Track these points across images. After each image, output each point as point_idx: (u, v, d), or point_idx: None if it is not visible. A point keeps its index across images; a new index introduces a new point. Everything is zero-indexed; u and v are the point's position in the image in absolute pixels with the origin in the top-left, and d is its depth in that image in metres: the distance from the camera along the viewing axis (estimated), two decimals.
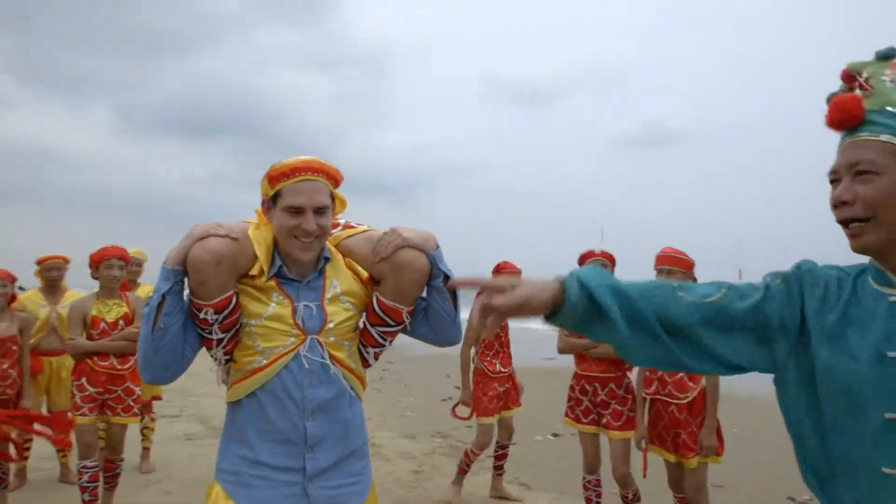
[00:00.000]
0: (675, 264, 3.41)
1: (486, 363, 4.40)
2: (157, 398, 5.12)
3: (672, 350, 1.19)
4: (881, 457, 1.06)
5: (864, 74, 1.19)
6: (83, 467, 3.77)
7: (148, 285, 4.73)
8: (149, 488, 4.65)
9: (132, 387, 3.87)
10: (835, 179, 1.14)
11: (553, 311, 1.17)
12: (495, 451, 4.55)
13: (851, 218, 1.09)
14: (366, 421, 5.69)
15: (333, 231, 1.94)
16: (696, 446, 3.22)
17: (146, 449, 5.13)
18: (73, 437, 3.80)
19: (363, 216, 2.03)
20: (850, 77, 1.22)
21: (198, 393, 8.45)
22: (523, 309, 1.14)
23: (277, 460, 1.71)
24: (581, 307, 1.16)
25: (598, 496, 3.76)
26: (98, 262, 3.84)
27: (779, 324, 1.17)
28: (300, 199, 1.67)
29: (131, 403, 3.87)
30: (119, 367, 3.82)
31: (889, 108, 1.11)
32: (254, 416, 1.73)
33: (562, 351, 3.88)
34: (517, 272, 4.32)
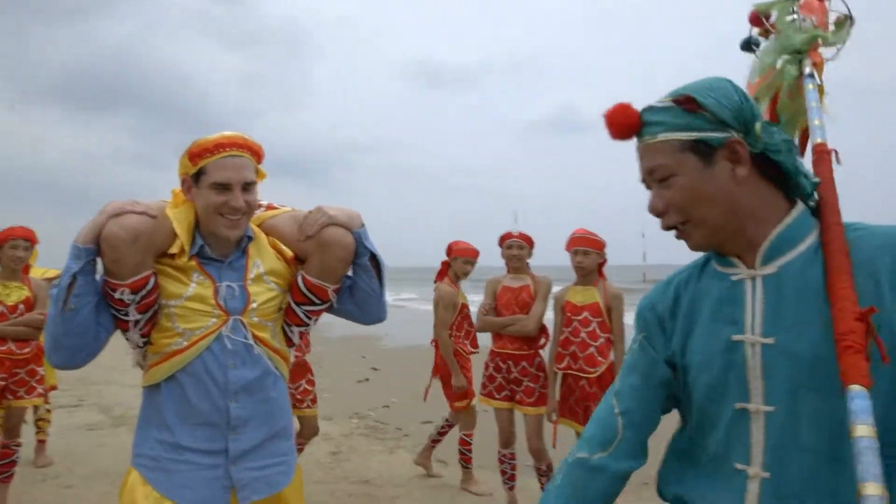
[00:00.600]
0: (588, 245, 3.57)
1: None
2: (53, 388, 4.80)
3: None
4: (732, 451, 1.03)
5: (770, 15, 1.18)
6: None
7: (38, 268, 4.40)
8: (46, 483, 4.37)
9: (35, 368, 3.77)
10: (644, 180, 1.11)
11: None
12: (441, 427, 4.58)
13: (671, 226, 1.07)
14: None
15: (256, 211, 1.90)
16: None
17: (41, 442, 4.80)
18: None
19: (279, 197, 2.00)
20: (757, 19, 1.22)
21: (99, 381, 8.00)
22: None
23: (199, 443, 1.67)
24: None
25: (513, 468, 3.90)
26: (2, 242, 3.64)
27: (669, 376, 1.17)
28: (227, 175, 1.62)
29: (34, 385, 3.74)
30: (18, 351, 3.68)
31: (655, 105, 1.06)
32: (173, 400, 1.68)
33: (479, 329, 3.98)
34: (472, 252, 4.36)
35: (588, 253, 3.56)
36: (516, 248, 3.90)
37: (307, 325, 1.85)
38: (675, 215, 1.05)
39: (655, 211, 1.08)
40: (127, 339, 1.69)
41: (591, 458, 1.17)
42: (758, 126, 1.02)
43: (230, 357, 1.68)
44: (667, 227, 1.08)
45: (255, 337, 1.71)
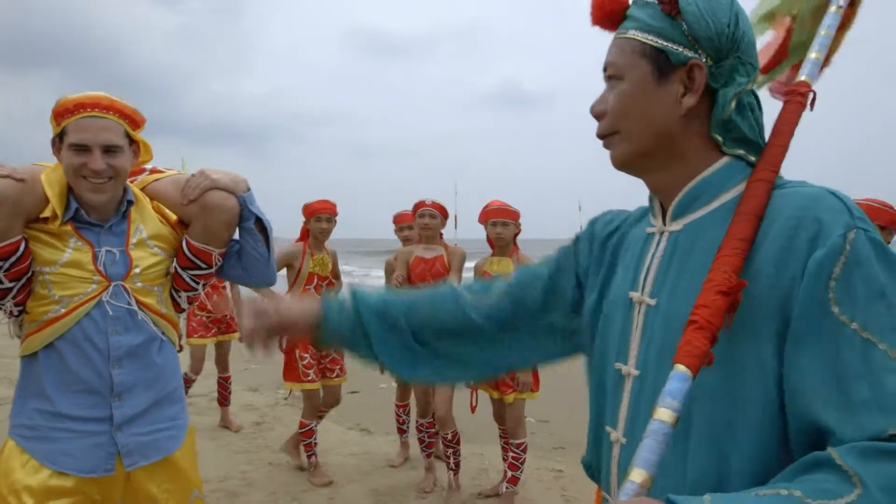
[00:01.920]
0: (506, 216, 3.61)
1: None
2: None
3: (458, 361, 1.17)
4: (606, 413, 0.99)
5: None
6: None
7: None
8: None
9: None
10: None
11: (318, 333, 1.14)
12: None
13: (600, 134, 0.97)
14: (207, 377, 5.48)
15: (139, 176, 1.86)
16: (513, 384, 3.50)
17: None
18: None
19: (218, 166, 1.95)
20: None
21: (9, 355, 7.66)
22: (287, 331, 1.12)
23: (81, 411, 1.65)
24: (344, 330, 1.14)
25: (431, 436, 3.94)
26: None
27: (571, 296, 1.11)
28: (85, 136, 1.58)
29: None
30: None
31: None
32: (53, 368, 1.65)
33: None
34: (440, 208, 4.00)
35: (507, 224, 3.61)
36: (428, 216, 3.82)
37: (195, 290, 1.85)
38: (609, 123, 0.95)
39: (593, 112, 0.97)
40: (0, 308, 1.64)
41: (458, 290, 1.18)
42: (727, 62, 0.88)
43: (112, 323, 1.65)
44: (598, 134, 0.98)
45: (139, 302, 1.69)
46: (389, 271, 4.28)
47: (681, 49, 0.88)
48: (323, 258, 4.01)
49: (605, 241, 1.09)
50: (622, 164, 0.97)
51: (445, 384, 1.21)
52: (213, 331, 4.75)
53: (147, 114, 1.73)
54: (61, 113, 1.59)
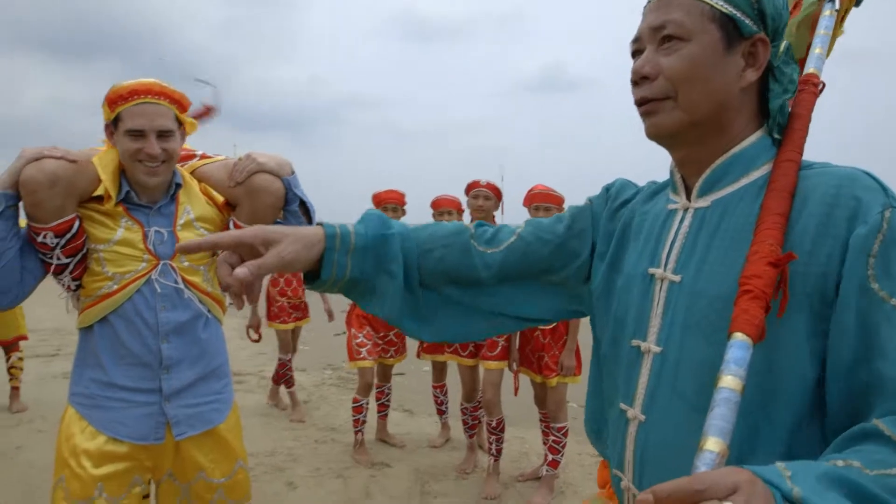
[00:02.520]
0: (549, 201, 3.56)
1: None
2: (23, 338, 4.88)
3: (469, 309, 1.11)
4: (621, 390, 0.97)
5: None
6: None
7: None
8: (19, 427, 4.49)
9: None
10: (637, 50, 0.93)
11: (317, 271, 1.00)
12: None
13: (650, 98, 0.90)
14: (259, 355, 5.73)
15: (190, 161, 1.94)
16: (557, 367, 3.49)
17: (15, 389, 4.91)
18: None
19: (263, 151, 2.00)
20: None
21: (75, 333, 8.08)
22: (284, 269, 0.95)
23: (133, 382, 1.74)
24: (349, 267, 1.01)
25: (475, 419, 3.98)
26: None
27: (585, 259, 1.08)
28: (140, 122, 1.65)
29: None
30: None
31: None
32: (107, 341, 1.74)
33: None
34: (455, 205, 4.11)
35: (549, 209, 3.57)
36: (482, 198, 3.76)
37: None
38: (663, 85, 0.88)
39: (640, 73, 0.90)
40: (59, 282, 1.74)
41: (468, 234, 1.12)
42: (783, 45, 0.90)
43: (160, 300, 1.73)
44: (642, 98, 0.90)
45: (185, 281, 1.77)
46: None
47: (749, 21, 0.86)
48: None
49: (618, 209, 1.07)
50: (667, 134, 0.91)
51: (455, 337, 1.14)
52: (294, 315, 4.85)
53: (195, 101, 1.79)
54: (115, 100, 1.66)
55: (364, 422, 4.05)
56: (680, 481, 0.57)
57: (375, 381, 4.31)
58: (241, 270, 0.87)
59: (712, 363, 0.81)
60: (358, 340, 4.04)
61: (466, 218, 4.08)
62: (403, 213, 4.17)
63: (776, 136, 0.90)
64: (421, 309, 1.10)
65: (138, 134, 1.66)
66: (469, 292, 1.11)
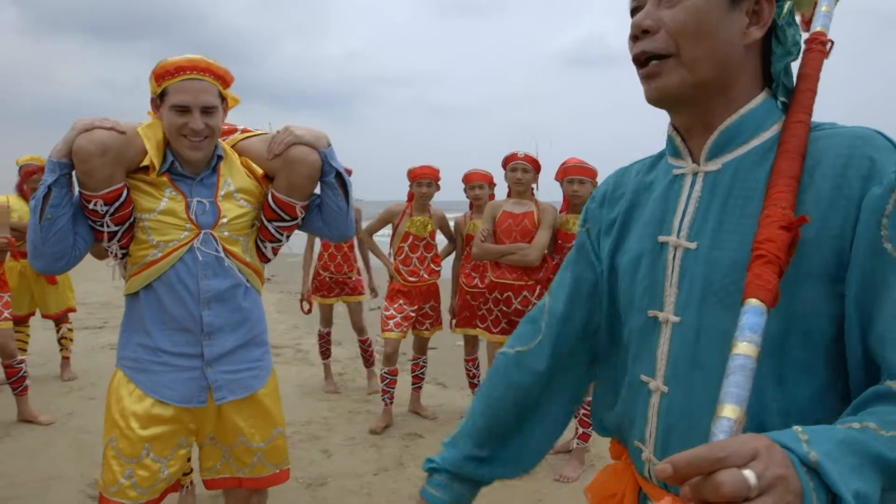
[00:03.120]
0: (583, 174, 3.54)
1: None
2: (72, 310, 5.08)
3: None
4: (640, 362, 0.95)
5: None
6: None
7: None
8: (70, 394, 4.70)
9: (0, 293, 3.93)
10: (636, 7, 0.90)
11: None
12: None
13: (651, 53, 0.86)
14: (294, 329, 5.85)
15: (232, 135, 1.99)
16: None
17: (65, 358, 5.14)
18: None
19: None
20: None
21: (122, 304, 8.37)
22: None
23: (177, 347, 1.82)
24: (465, 492, 1.13)
25: None
26: None
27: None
28: (185, 98, 1.70)
29: (0, 308, 3.93)
30: None
31: None
32: (152, 307, 1.81)
33: (476, 257, 3.78)
34: (487, 179, 4.16)
35: (584, 182, 3.54)
36: (521, 170, 3.66)
37: (279, 241, 1.97)
38: (665, 41, 0.84)
39: (641, 27, 0.86)
40: (108, 250, 1.82)
41: (509, 352, 1.14)
42: (787, 5, 0.87)
43: (202, 268, 1.80)
44: (642, 55, 0.87)
45: (225, 250, 1.83)
46: (459, 232, 4.35)
47: None
48: (423, 220, 4.18)
49: (612, 205, 1.05)
50: (673, 94, 0.87)
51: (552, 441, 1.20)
52: (336, 291, 4.78)
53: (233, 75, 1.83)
54: (162, 75, 1.71)
55: (389, 391, 4.13)
56: (698, 450, 0.57)
57: (412, 353, 4.40)
58: None
59: (731, 333, 0.80)
60: (388, 313, 4.14)
61: (501, 192, 4.08)
62: (437, 188, 4.20)
63: (782, 98, 0.88)
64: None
65: (183, 109, 1.71)
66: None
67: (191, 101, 1.70)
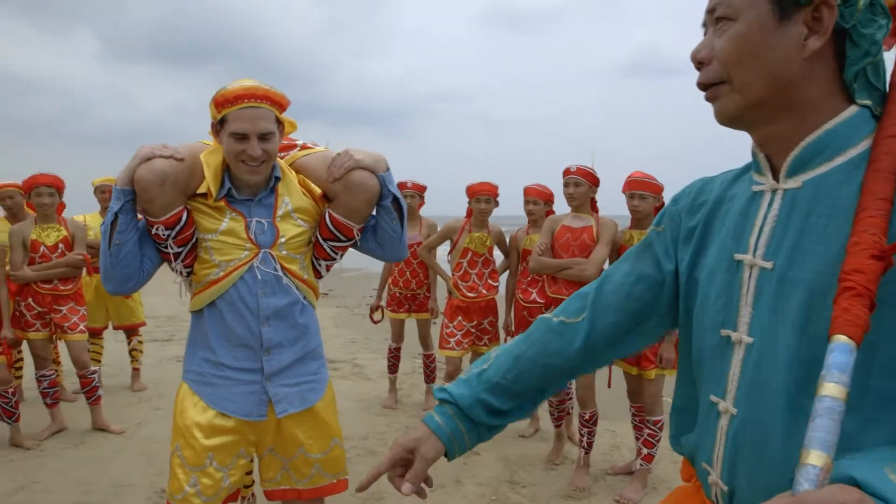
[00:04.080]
0: (645, 188, 3.45)
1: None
2: (142, 324, 5.31)
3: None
4: (711, 382, 0.92)
5: None
6: (41, 376, 4.13)
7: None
8: (140, 405, 4.90)
9: (76, 307, 4.14)
10: (704, 26, 0.91)
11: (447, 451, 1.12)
12: None
13: (707, 84, 0.88)
14: (351, 343, 5.96)
15: (291, 151, 2.04)
16: (655, 359, 3.39)
17: (136, 370, 5.37)
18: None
19: (358, 146, 2.09)
20: None
21: (188, 319, 8.67)
22: (428, 465, 1.10)
23: (238, 362, 1.87)
24: (466, 433, 1.12)
25: (562, 411, 3.86)
26: (28, 190, 4.02)
27: (672, 284, 1.05)
28: (244, 126, 1.75)
29: (77, 321, 4.12)
30: (62, 288, 4.08)
31: None
32: (215, 324, 1.88)
33: (533, 271, 3.72)
34: (543, 195, 4.16)
35: (644, 196, 3.45)
36: (573, 185, 3.60)
37: (334, 259, 2.01)
38: (717, 70, 0.86)
39: (696, 58, 0.88)
40: (172, 269, 1.90)
41: (552, 320, 1.14)
42: (862, 1, 0.80)
43: (261, 286, 1.85)
44: (701, 84, 0.89)
45: (283, 268, 1.88)
46: (515, 246, 4.32)
47: None
48: (482, 236, 4.20)
49: (693, 213, 1.02)
50: (731, 118, 0.88)
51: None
52: (406, 307, 4.85)
53: (294, 98, 1.89)
54: (222, 103, 1.77)
55: None
56: (781, 500, 0.54)
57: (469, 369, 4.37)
58: (407, 487, 1.05)
59: (807, 356, 0.78)
60: (448, 330, 4.16)
61: (561, 206, 4.02)
62: (496, 203, 4.22)
63: (863, 102, 0.82)
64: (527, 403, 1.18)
65: (242, 136, 1.76)
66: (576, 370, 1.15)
67: (249, 128, 1.75)
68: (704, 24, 0.90)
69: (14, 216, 4.56)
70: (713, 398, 0.91)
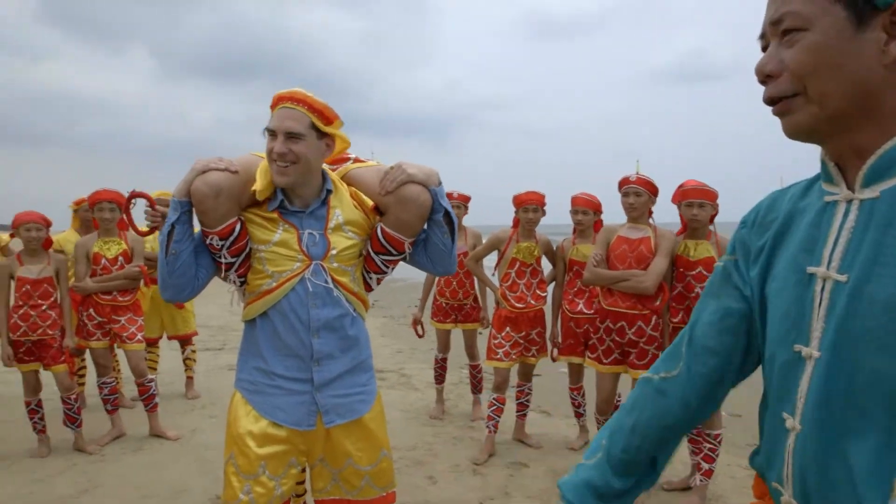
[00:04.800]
0: (703, 197, 3.37)
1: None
2: (195, 333, 5.46)
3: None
4: (781, 398, 0.90)
5: None
6: (102, 384, 4.29)
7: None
8: (194, 412, 5.02)
9: (134, 317, 4.28)
10: (765, 47, 0.88)
11: None
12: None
13: (778, 97, 0.84)
14: (398, 353, 6.00)
15: (344, 164, 2.07)
16: None
17: (189, 378, 5.51)
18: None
19: (403, 156, 2.09)
20: None
21: (238, 328, 8.86)
22: None
23: (289, 372, 1.90)
24: None
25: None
26: (92, 205, 4.19)
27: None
28: (274, 124, 1.81)
29: (135, 331, 4.25)
30: (121, 299, 4.23)
31: None
32: (267, 334, 1.91)
33: (588, 282, 3.64)
34: (593, 205, 4.13)
35: (703, 205, 3.36)
36: (633, 195, 3.49)
37: (385, 272, 2.02)
38: (789, 82, 0.82)
39: (764, 73, 0.85)
40: (227, 279, 1.94)
41: (654, 379, 1.10)
42: None
43: (312, 298, 1.87)
44: (770, 99, 0.85)
45: (334, 280, 1.90)
46: (561, 256, 4.27)
47: None
48: (529, 246, 4.16)
49: (762, 231, 0.98)
50: (807, 130, 0.84)
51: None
52: (452, 317, 4.85)
53: (337, 110, 1.91)
54: (271, 107, 1.85)
55: (494, 419, 4.09)
56: None
57: (516, 380, 4.34)
58: None
59: (884, 374, 0.75)
60: (496, 341, 4.13)
61: (612, 216, 3.95)
62: (543, 213, 4.17)
63: None
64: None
65: (272, 134, 1.81)
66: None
67: (277, 126, 1.80)
68: (763, 36, 0.87)
69: (88, 229, 4.78)
70: (783, 414, 0.88)
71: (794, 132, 0.85)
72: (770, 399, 0.94)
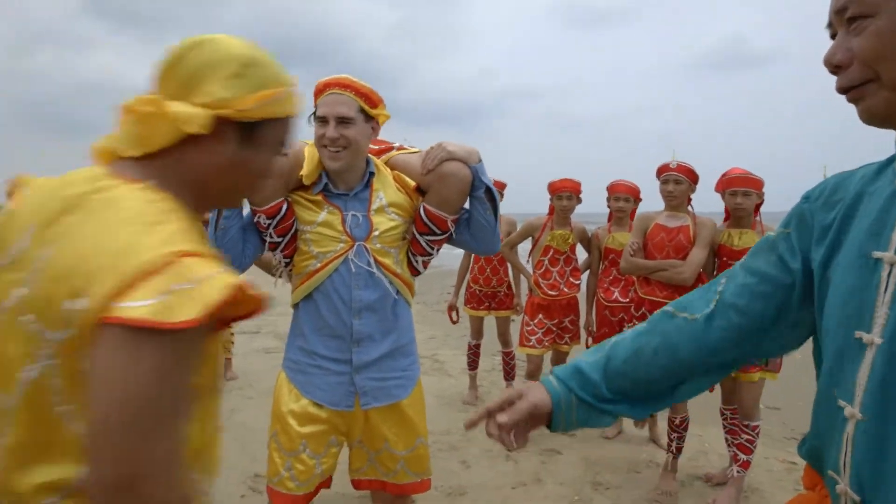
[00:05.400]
0: (749, 185, 3.26)
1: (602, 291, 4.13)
2: None
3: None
4: (839, 385, 0.88)
5: None
6: None
7: None
8: (232, 393, 5.14)
9: None
10: (833, 35, 0.87)
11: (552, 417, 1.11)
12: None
13: (850, 87, 0.83)
14: (431, 339, 6.03)
15: (389, 152, 2.10)
16: (759, 362, 3.20)
17: (228, 359, 5.64)
18: None
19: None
20: None
21: (274, 312, 9.00)
22: (533, 420, 1.11)
23: (330, 352, 1.94)
24: (575, 406, 1.11)
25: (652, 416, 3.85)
26: None
27: (802, 286, 0.99)
28: (324, 110, 1.84)
29: None
30: None
31: None
32: (310, 315, 1.95)
33: (625, 271, 3.58)
34: (633, 192, 4.07)
35: (748, 193, 3.25)
36: (673, 182, 3.38)
37: (430, 254, 2.04)
38: (860, 70, 0.81)
39: (832, 63, 0.84)
40: (274, 259, 2.00)
41: (677, 314, 1.10)
42: None
43: (354, 279, 1.91)
44: (842, 88, 0.84)
45: (377, 262, 1.92)
46: (596, 245, 4.24)
47: None
48: (564, 234, 4.12)
49: (829, 209, 0.96)
50: (882, 115, 0.82)
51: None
52: (486, 304, 4.84)
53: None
54: (315, 94, 1.88)
55: None
56: None
57: (549, 368, 4.33)
58: (502, 417, 1.08)
59: None
60: (529, 328, 4.13)
61: (649, 204, 3.90)
62: (579, 200, 4.13)
63: None
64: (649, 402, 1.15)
65: (322, 120, 1.85)
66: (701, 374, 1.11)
67: (327, 112, 1.83)
68: (830, 25, 0.86)
69: None
70: (841, 402, 0.86)
71: (869, 118, 0.84)
72: (825, 386, 0.92)
